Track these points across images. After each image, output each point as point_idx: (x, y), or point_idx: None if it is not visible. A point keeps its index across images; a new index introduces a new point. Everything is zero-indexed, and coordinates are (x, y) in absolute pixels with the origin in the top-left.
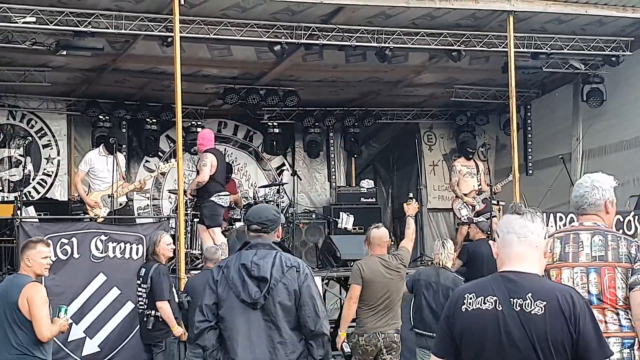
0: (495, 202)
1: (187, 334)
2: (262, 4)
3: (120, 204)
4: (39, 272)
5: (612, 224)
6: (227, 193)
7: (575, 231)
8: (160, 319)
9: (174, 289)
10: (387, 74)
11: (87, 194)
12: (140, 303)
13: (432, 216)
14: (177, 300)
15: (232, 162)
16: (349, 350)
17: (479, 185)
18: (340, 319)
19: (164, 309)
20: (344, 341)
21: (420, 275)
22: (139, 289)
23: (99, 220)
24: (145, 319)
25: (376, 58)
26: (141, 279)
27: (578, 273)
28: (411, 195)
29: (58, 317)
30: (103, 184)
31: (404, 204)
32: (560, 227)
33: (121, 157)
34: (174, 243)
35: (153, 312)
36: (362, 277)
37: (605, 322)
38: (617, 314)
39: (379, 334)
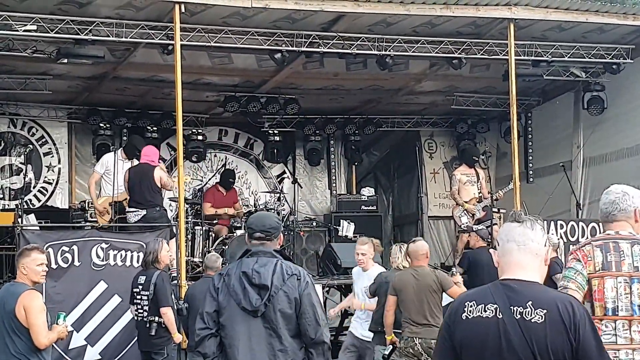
0: (496, 209)
1: (187, 341)
2: (263, 12)
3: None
4: (35, 280)
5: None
6: (135, 209)
7: (614, 239)
8: (163, 325)
9: (173, 296)
10: (388, 82)
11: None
12: (140, 310)
13: (432, 224)
14: (176, 307)
15: (234, 170)
16: (386, 353)
17: (479, 193)
18: (341, 326)
19: (168, 315)
20: (390, 343)
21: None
22: (138, 296)
23: (104, 224)
24: (147, 326)
25: (377, 66)
26: (141, 286)
27: (622, 283)
28: (454, 270)
29: (57, 323)
30: (114, 190)
31: (451, 277)
32: (560, 234)
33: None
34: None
35: (156, 318)
36: (394, 287)
37: None
38: None
39: (415, 338)
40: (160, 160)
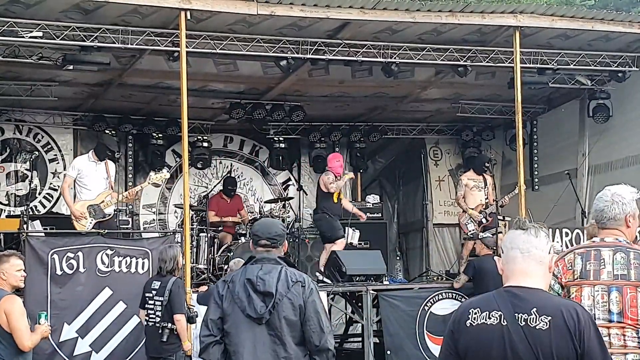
0: (501, 217)
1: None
2: (269, 19)
3: (108, 215)
4: (14, 284)
5: (633, 237)
6: None
7: (596, 247)
8: (175, 332)
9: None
10: (393, 89)
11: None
12: (152, 315)
13: (437, 231)
14: (187, 315)
15: (238, 177)
16: None
17: (486, 199)
18: (345, 333)
19: (182, 322)
20: None
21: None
22: (151, 302)
23: (82, 230)
24: (160, 332)
25: (382, 73)
26: (154, 291)
27: (599, 291)
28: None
29: (39, 323)
30: (90, 193)
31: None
32: (565, 242)
33: (112, 165)
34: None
35: (169, 324)
36: None
37: (624, 339)
38: (637, 332)
39: None
40: (336, 161)
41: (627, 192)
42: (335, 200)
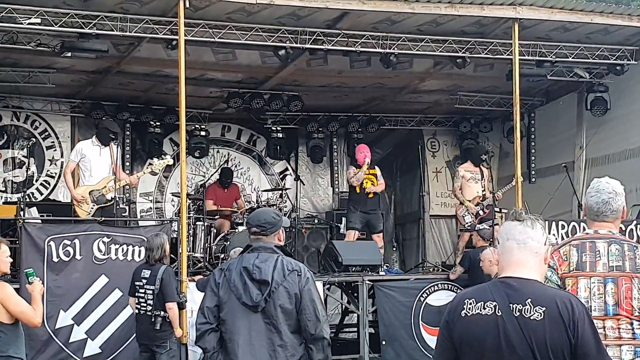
0: (497, 209)
1: (187, 335)
2: (268, 8)
3: (109, 200)
4: (4, 270)
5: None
6: None
7: (591, 239)
8: (167, 320)
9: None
10: (392, 80)
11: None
12: (143, 304)
13: (434, 223)
14: (178, 301)
15: (235, 167)
16: None
17: (482, 192)
18: (341, 323)
19: (174, 310)
20: None
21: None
22: (141, 290)
23: (83, 215)
24: (153, 320)
25: (380, 64)
26: (145, 280)
27: (595, 283)
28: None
29: (29, 283)
30: (92, 178)
31: None
32: (561, 235)
33: (115, 149)
34: (176, 246)
35: (161, 313)
36: None
37: (619, 330)
38: (632, 324)
39: None
40: (360, 152)
41: (619, 185)
42: (358, 191)
